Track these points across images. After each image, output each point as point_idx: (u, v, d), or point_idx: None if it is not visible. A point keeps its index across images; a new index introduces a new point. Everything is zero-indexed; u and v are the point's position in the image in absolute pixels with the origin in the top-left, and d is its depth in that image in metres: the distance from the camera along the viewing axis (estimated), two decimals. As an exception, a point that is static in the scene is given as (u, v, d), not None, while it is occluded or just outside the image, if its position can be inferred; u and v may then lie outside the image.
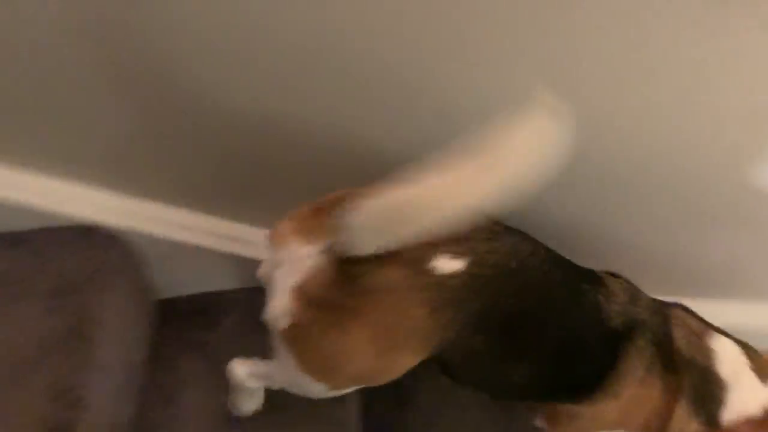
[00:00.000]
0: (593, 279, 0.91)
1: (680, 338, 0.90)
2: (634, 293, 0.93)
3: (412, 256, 0.78)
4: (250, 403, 1.10)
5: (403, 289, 0.79)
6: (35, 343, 1.02)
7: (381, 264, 0.77)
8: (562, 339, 0.89)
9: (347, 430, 1.18)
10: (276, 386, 1.02)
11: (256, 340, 0.93)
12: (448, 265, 0.80)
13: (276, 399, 1.08)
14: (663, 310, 0.93)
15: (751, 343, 0.97)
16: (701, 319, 0.96)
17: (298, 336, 0.83)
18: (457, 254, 0.81)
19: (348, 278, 0.78)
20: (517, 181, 0.61)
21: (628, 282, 0.94)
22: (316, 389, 0.91)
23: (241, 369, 1.01)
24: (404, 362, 0.87)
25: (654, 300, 0.94)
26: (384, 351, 0.84)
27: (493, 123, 0.59)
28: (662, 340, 0.89)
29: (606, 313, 0.88)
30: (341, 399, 1.05)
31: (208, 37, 0.90)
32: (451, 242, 0.81)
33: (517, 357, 0.90)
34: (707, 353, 0.90)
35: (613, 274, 0.95)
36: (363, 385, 0.95)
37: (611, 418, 0.93)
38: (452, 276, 0.80)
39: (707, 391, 0.89)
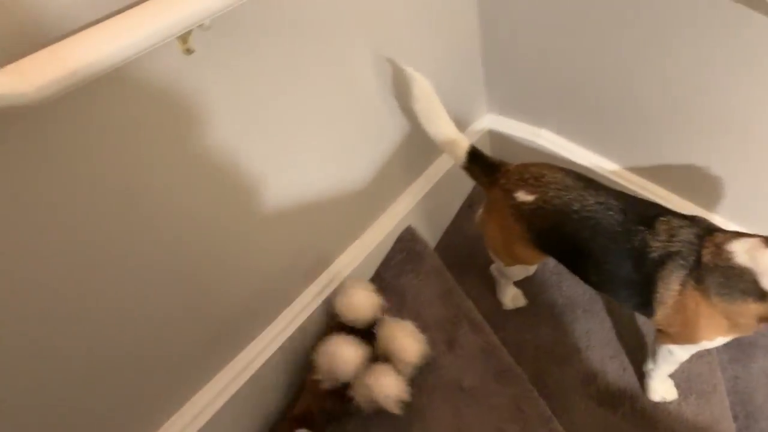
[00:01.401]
0: (648, 222, 1.24)
1: (706, 255, 1.19)
2: (673, 229, 1.23)
3: (505, 189, 1.38)
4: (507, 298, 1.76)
5: (501, 204, 1.39)
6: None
7: (494, 188, 1.41)
8: (612, 261, 1.28)
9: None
10: (496, 273, 1.71)
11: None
12: (523, 197, 1.35)
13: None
14: (698, 238, 1.21)
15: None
16: (726, 232, 1.22)
17: (480, 226, 1.53)
18: (529, 192, 1.35)
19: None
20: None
21: (679, 220, 1.24)
22: (500, 266, 1.59)
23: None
24: (521, 252, 1.46)
25: (693, 232, 1.22)
26: (506, 239, 1.45)
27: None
28: (693, 262, 1.20)
29: (649, 248, 1.23)
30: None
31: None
32: (530, 185, 1.35)
33: (584, 267, 1.37)
34: (727, 256, 1.17)
35: (678, 215, 1.26)
36: (519, 264, 1.54)
37: (671, 324, 1.28)
38: (525, 203, 1.35)
39: (733, 280, 1.16)
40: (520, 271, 1.61)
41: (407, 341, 1.41)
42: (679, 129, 1.55)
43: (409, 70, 1.37)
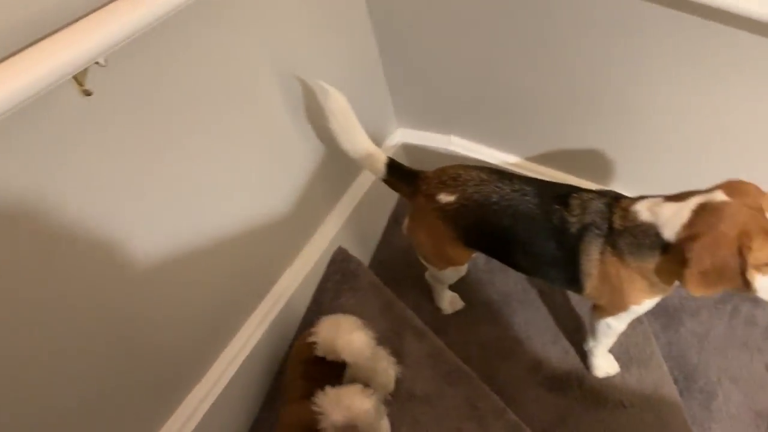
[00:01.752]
0: (562, 201, 1.31)
1: (616, 220, 1.25)
2: (585, 203, 1.30)
3: (426, 194, 1.43)
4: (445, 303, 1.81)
5: (425, 209, 1.43)
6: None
7: (416, 196, 1.45)
8: (537, 243, 1.35)
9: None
10: (431, 280, 1.74)
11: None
12: (445, 198, 1.40)
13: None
14: (607, 207, 1.27)
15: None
16: (632, 198, 1.28)
17: (408, 235, 1.55)
18: (450, 193, 1.40)
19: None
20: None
21: (589, 194, 1.31)
22: (434, 271, 1.63)
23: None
24: (452, 252, 1.51)
25: (602, 202, 1.29)
26: (435, 243, 1.50)
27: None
28: (606, 229, 1.26)
29: (568, 224, 1.29)
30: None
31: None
32: (449, 186, 1.40)
33: (512, 254, 1.43)
34: (633, 216, 1.23)
35: (587, 190, 1.33)
36: (451, 266, 1.57)
37: (601, 294, 1.34)
38: (448, 203, 1.40)
39: (640, 238, 1.21)
40: (453, 273, 1.64)
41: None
42: (576, 118, 1.64)
43: (323, 85, 1.37)
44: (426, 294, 1.85)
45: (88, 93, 0.91)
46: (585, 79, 1.53)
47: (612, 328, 1.46)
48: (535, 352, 1.69)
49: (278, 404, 1.44)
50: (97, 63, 0.84)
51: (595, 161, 1.73)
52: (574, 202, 1.31)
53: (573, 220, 1.29)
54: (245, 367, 1.41)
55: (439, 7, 1.56)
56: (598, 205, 1.29)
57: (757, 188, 1.14)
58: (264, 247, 1.47)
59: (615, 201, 1.29)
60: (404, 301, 1.68)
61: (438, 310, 1.82)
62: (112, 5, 0.84)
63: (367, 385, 1.38)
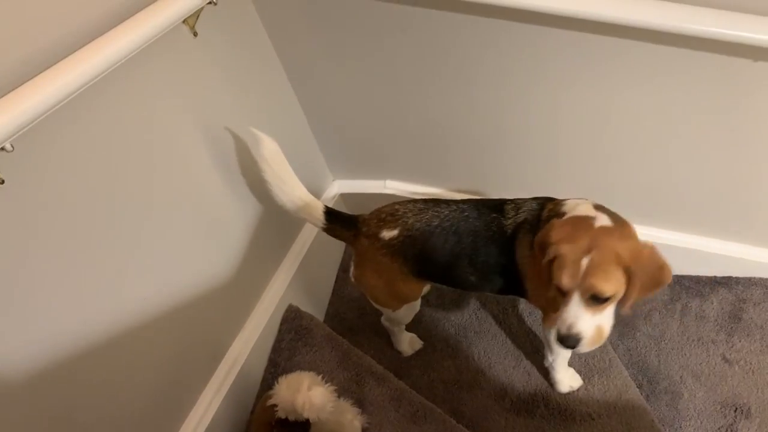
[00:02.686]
0: (498, 209, 1.37)
1: (544, 213, 1.31)
2: (518, 205, 1.36)
3: (368, 235, 1.45)
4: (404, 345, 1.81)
5: (370, 249, 1.45)
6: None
7: (358, 239, 1.46)
8: (483, 255, 1.38)
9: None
10: (387, 324, 1.73)
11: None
12: (388, 234, 1.43)
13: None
14: (539, 206, 1.33)
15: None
16: (560, 201, 1.34)
17: (357, 282, 1.56)
18: (392, 228, 1.43)
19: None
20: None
21: (523, 199, 1.38)
22: (389, 313, 1.62)
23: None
24: (404, 288, 1.51)
25: (536, 202, 1.35)
26: (386, 282, 1.50)
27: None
28: (536, 223, 1.30)
29: (504, 227, 1.35)
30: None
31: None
32: (389, 223, 1.43)
33: (461, 272, 1.43)
34: (558, 210, 1.29)
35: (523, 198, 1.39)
36: (404, 303, 1.57)
37: (539, 294, 1.35)
38: (392, 238, 1.42)
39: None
40: (408, 311, 1.64)
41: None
42: (489, 146, 1.71)
43: (254, 131, 1.38)
44: (384, 339, 1.84)
45: (0, 182, 0.90)
46: (491, 111, 1.60)
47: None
48: (498, 379, 1.69)
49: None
50: (2, 149, 0.84)
51: (515, 181, 1.81)
52: (508, 206, 1.38)
53: (508, 222, 1.35)
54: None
55: (351, 66, 1.62)
56: (531, 205, 1.35)
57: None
58: (210, 315, 1.45)
59: (548, 201, 1.35)
60: (363, 349, 1.67)
61: (399, 354, 1.81)
62: (12, 93, 0.84)
63: (333, 438, 1.36)
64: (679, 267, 2.00)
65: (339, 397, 1.47)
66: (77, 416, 1.09)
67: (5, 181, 0.90)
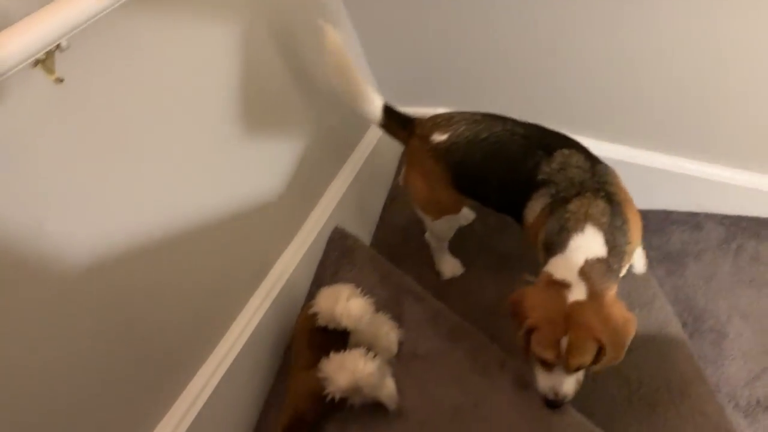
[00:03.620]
0: (549, 149, 1.35)
1: (572, 206, 1.27)
2: (565, 167, 1.32)
3: (421, 136, 1.49)
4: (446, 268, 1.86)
5: (420, 151, 1.49)
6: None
7: (411, 139, 1.51)
8: (508, 178, 1.40)
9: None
10: (430, 240, 1.78)
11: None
12: (438, 137, 1.46)
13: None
14: (579, 186, 1.29)
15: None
16: (608, 202, 1.28)
17: (404, 184, 1.61)
18: (443, 132, 1.46)
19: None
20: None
21: (578, 158, 1.33)
22: (428, 222, 1.65)
23: None
24: (444, 197, 1.54)
25: (580, 177, 1.30)
26: (430, 187, 1.53)
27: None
28: (561, 197, 1.29)
29: (538, 172, 1.33)
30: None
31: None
32: (443, 126, 1.46)
33: (489, 189, 1.47)
34: (576, 229, 1.25)
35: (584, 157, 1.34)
36: (445, 214, 1.60)
37: (527, 237, 1.41)
38: (441, 142, 1.46)
39: (558, 234, 1.27)
40: (448, 224, 1.67)
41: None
42: (550, 70, 1.67)
43: (320, 23, 1.39)
44: (427, 266, 1.88)
45: (59, 80, 0.97)
46: (553, 35, 1.56)
47: None
48: (537, 307, 1.71)
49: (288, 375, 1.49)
50: (59, 47, 0.90)
51: (573, 115, 1.76)
52: (558, 157, 1.34)
53: (546, 170, 1.33)
54: (252, 343, 1.46)
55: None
56: (575, 174, 1.31)
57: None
58: (261, 228, 1.52)
59: (593, 186, 1.29)
60: (406, 272, 1.71)
61: (439, 278, 1.85)
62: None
63: (370, 349, 1.43)
64: (737, 207, 1.93)
65: (377, 311, 1.53)
66: (134, 323, 1.18)
67: (64, 80, 0.96)
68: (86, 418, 1.09)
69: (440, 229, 1.68)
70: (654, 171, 1.92)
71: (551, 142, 1.38)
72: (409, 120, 1.52)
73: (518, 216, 1.41)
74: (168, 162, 1.20)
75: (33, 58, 0.87)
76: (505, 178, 1.41)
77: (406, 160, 1.58)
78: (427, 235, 1.76)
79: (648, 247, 1.95)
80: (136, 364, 1.20)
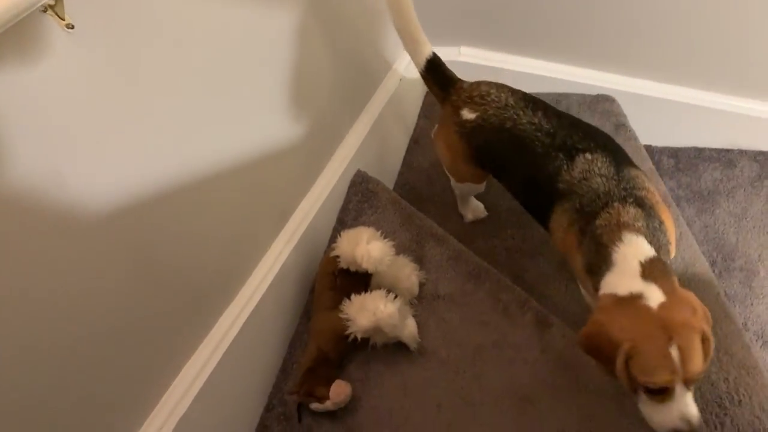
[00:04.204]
0: (571, 152, 1.26)
1: (601, 221, 1.17)
2: (588, 174, 1.22)
3: (454, 105, 1.45)
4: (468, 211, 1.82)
5: (449, 120, 1.47)
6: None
7: (445, 103, 1.48)
8: (528, 179, 1.35)
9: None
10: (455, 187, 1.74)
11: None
12: (467, 114, 1.42)
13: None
14: (606, 195, 1.19)
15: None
16: (634, 211, 1.17)
17: (434, 140, 1.61)
18: (472, 110, 1.42)
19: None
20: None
21: (602, 162, 1.23)
22: (453, 183, 1.68)
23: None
24: (465, 170, 1.55)
25: (605, 184, 1.20)
26: (452, 157, 1.54)
27: None
28: (586, 212, 1.20)
29: (559, 178, 1.25)
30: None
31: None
32: (474, 104, 1.41)
33: (507, 176, 1.45)
34: (614, 240, 1.14)
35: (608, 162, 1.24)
36: (466, 182, 1.62)
37: (560, 248, 1.32)
38: (467, 121, 1.42)
39: (597, 255, 1.16)
40: (470, 189, 1.68)
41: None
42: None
43: None
44: (450, 208, 1.87)
45: (70, 26, 0.96)
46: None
47: None
48: (561, 248, 1.70)
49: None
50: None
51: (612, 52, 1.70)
52: (579, 163, 1.25)
53: (567, 178, 1.24)
54: (276, 286, 1.48)
55: None
56: (598, 184, 1.21)
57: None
58: (283, 172, 1.52)
59: (619, 196, 1.19)
60: (429, 216, 1.71)
61: (464, 223, 1.84)
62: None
63: (391, 291, 1.44)
64: (771, 142, 1.86)
65: (399, 254, 1.54)
66: (159, 267, 1.20)
67: (75, 27, 0.96)
68: (114, 361, 1.13)
69: (462, 190, 1.70)
70: (685, 107, 1.86)
71: (577, 142, 1.28)
72: (449, 81, 1.49)
73: (543, 222, 1.35)
74: (187, 105, 1.19)
75: (42, 3, 0.86)
76: (526, 176, 1.36)
77: (439, 118, 1.55)
78: (453, 183, 1.75)
79: (678, 186, 1.91)
80: (164, 306, 1.23)
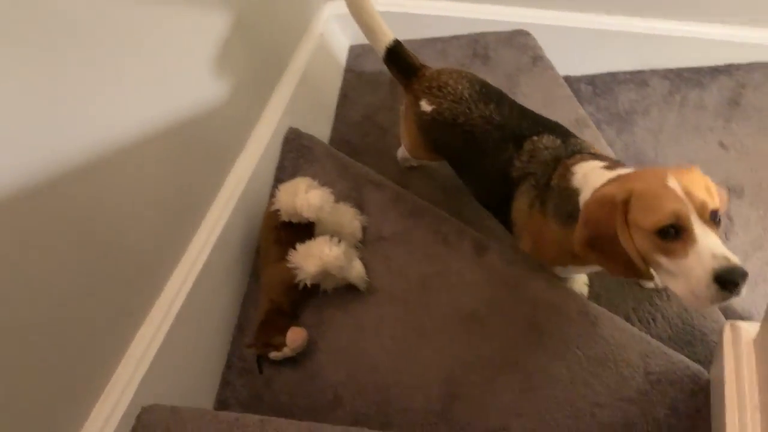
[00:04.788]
0: (519, 141, 1.26)
1: (556, 177, 1.17)
2: (535, 153, 1.23)
3: (415, 94, 1.46)
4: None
5: (410, 109, 1.49)
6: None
7: (408, 91, 1.49)
8: (483, 174, 1.36)
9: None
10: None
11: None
12: (425, 106, 1.43)
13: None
14: (554, 161, 1.19)
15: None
16: (583, 156, 1.17)
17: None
18: (430, 102, 1.42)
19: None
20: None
21: (547, 140, 1.24)
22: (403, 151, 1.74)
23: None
24: (423, 152, 1.57)
25: (552, 154, 1.21)
26: (410, 140, 1.58)
27: None
28: (543, 185, 1.19)
29: (512, 168, 1.25)
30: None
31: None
32: (432, 95, 1.41)
33: (466, 176, 1.46)
34: (568, 176, 1.13)
35: (552, 136, 1.25)
36: (423, 159, 1.67)
37: (524, 243, 1.30)
38: (424, 113, 1.43)
39: (564, 201, 1.13)
40: (424, 162, 1.76)
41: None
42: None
43: None
44: (386, 155, 1.91)
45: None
46: None
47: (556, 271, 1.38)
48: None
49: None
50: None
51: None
52: (527, 146, 1.25)
53: (518, 165, 1.25)
54: (220, 247, 1.49)
55: None
56: (545, 156, 1.22)
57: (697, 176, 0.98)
58: (213, 133, 1.52)
59: (566, 155, 1.19)
60: (368, 165, 1.74)
61: (402, 170, 1.88)
62: None
63: (335, 237, 1.48)
64: (679, 59, 1.97)
65: (339, 202, 1.57)
66: (94, 241, 1.19)
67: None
68: (63, 337, 1.13)
69: (417, 162, 1.77)
70: (596, 33, 1.95)
71: (524, 129, 1.28)
72: (412, 68, 1.48)
73: (506, 220, 1.32)
74: (100, 71, 1.18)
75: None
76: (480, 172, 1.37)
77: (404, 102, 1.56)
78: (399, 151, 1.78)
79: (597, 110, 2.00)
80: (107, 278, 1.23)
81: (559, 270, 1.36)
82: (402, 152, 1.76)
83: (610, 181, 1.03)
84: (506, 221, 1.33)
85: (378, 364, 1.36)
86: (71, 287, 1.13)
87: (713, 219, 0.93)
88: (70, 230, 1.12)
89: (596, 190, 1.03)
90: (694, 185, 0.93)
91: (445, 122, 1.38)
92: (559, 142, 1.23)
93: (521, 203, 1.23)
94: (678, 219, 0.91)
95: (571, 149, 1.21)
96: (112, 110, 1.20)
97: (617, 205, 0.95)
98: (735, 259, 0.88)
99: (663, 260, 0.94)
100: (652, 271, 0.99)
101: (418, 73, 1.47)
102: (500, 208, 1.32)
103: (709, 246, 0.89)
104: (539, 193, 1.19)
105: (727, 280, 0.86)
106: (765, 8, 1.75)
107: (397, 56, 1.48)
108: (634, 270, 0.97)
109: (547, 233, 1.18)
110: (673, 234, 0.92)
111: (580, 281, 1.46)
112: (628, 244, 0.95)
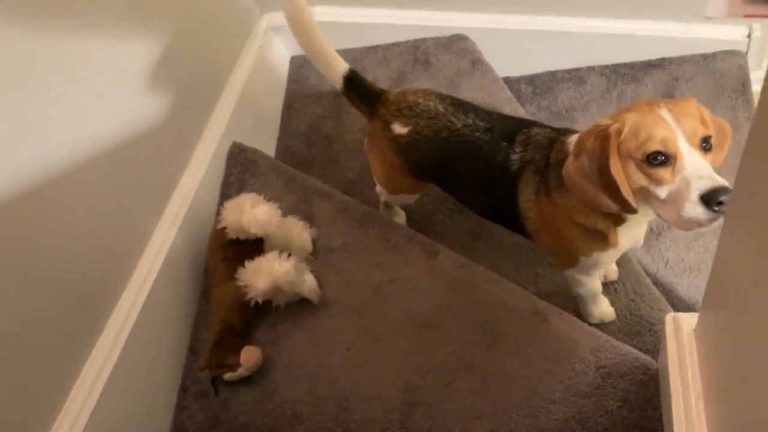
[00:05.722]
0: (510, 137, 1.24)
1: (554, 153, 1.16)
2: (530, 140, 1.22)
3: (383, 120, 1.38)
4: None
5: (380, 136, 1.40)
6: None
7: (373, 118, 1.41)
8: (482, 180, 1.30)
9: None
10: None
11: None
12: (399, 129, 1.36)
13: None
14: (550, 141, 1.19)
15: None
16: (566, 138, 1.17)
17: (366, 152, 1.52)
18: (404, 124, 1.35)
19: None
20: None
21: (538, 129, 1.23)
22: (383, 192, 1.58)
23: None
24: (403, 183, 1.49)
25: (547, 137, 1.20)
26: (386, 170, 1.48)
27: None
28: (543, 166, 1.18)
29: (510, 162, 1.22)
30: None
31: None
32: (405, 117, 1.35)
33: (462, 192, 1.42)
34: (565, 148, 1.14)
35: (541, 126, 1.25)
36: (402, 193, 1.55)
37: (544, 241, 1.27)
38: (400, 135, 1.36)
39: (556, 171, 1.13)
40: (404, 200, 1.62)
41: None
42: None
43: None
44: (333, 164, 1.90)
45: None
46: None
47: (578, 280, 1.33)
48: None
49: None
50: None
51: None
52: (519, 138, 1.23)
53: (515, 157, 1.22)
54: (168, 268, 1.46)
55: None
56: (541, 139, 1.21)
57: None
58: (154, 153, 1.49)
59: (560, 136, 1.19)
60: (313, 177, 1.73)
61: (348, 180, 1.87)
62: None
63: (285, 251, 1.47)
64: (614, 55, 2.02)
65: (287, 215, 1.56)
66: (33, 268, 1.15)
67: None
68: (6, 372, 1.09)
69: (394, 201, 1.64)
70: (533, 34, 1.98)
71: (513, 126, 1.27)
72: (373, 95, 1.39)
73: (514, 220, 1.28)
74: (25, 94, 1.15)
75: None
76: (479, 179, 1.31)
77: (367, 134, 1.49)
78: (381, 191, 1.63)
79: (538, 110, 2.04)
80: (50, 307, 1.19)
81: (586, 266, 1.26)
82: (380, 189, 1.60)
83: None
84: (519, 227, 1.29)
85: (335, 377, 1.35)
86: (11, 317, 1.09)
87: (703, 145, 0.98)
88: (7, 255, 1.08)
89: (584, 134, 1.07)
90: (687, 114, 0.98)
91: (428, 140, 1.33)
92: (549, 129, 1.24)
93: (526, 194, 1.22)
94: (666, 145, 0.96)
95: (563, 131, 1.22)
96: (48, 136, 1.17)
97: (611, 135, 0.99)
98: (721, 180, 0.93)
99: (653, 188, 0.99)
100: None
101: (381, 98, 1.39)
102: (508, 213, 1.28)
103: (696, 169, 0.94)
104: (541, 177, 1.18)
105: (712, 199, 0.91)
106: (693, 4, 1.81)
107: (356, 84, 1.40)
108: (621, 202, 1.02)
109: (559, 215, 1.17)
110: (663, 161, 0.97)
111: (605, 305, 1.43)
112: (619, 175, 0.99)
